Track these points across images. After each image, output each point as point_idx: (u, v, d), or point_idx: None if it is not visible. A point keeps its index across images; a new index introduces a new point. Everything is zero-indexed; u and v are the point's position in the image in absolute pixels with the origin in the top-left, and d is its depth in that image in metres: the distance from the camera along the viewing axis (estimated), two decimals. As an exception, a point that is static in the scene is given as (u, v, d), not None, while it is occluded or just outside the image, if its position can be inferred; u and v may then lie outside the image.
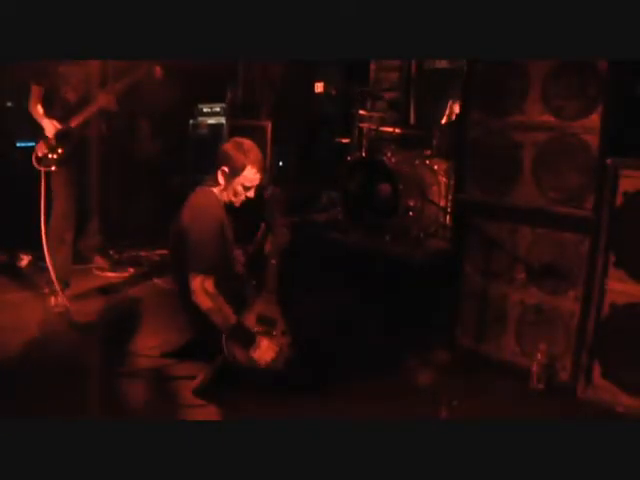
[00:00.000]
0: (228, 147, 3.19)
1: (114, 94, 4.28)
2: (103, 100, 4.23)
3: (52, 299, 4.06)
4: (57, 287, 3.99)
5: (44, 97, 4.20)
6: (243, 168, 3.11)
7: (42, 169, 4.09)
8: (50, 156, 4.12)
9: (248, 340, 2.97)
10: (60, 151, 4.14)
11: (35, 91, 4.18)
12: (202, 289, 2.99)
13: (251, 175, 3.13)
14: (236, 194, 3.18)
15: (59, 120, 4.16)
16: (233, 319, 3.00)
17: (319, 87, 6.71)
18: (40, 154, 4.11)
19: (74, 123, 4.18)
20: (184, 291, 3.07)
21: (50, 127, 4.12)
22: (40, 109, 4.16)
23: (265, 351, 2.97)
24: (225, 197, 3.20)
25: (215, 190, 3.20)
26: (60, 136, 4.14)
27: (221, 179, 3.15)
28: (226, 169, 3.12)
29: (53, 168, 4.12)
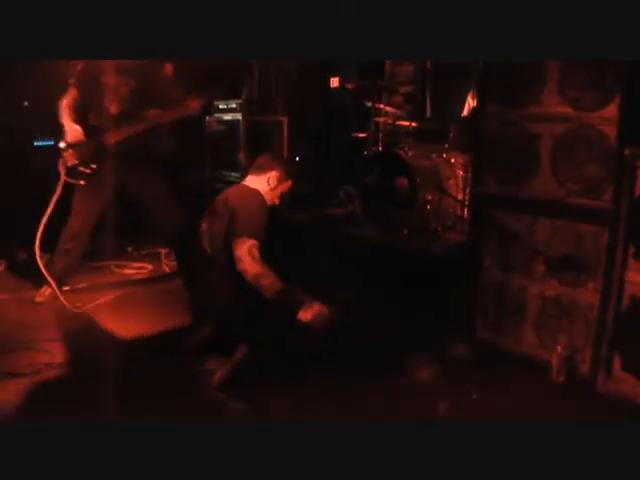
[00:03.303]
0: (276, 155, 3.76)
1: (202, 100, 4.12)
2: (194, 105, 4.06)
3: (41, 290, 4.08)
4: (49, 280, 3.95)
5: (79, 102, 3.96)
6: (287, 177, 3.47)
7: (70, 181, 3.92)
8: (81, 169, 3.90)
9: (297, 303, 2.96)
10: (94, 167, 3.92)
11: (72, 94, 3.94)
12: (249, 254, 3.02)
13: (288, 185, 3.51)
14: (274, 199, 3.45)
15: (90, 129, 3.93)
16: (280, 283, 3.00)
17: (335, 82, 6.70)
18: (70, 164, 3.89)
19: (113, 139, 3.94)
20: (225, 267, 3.12)
21: (74, 134, 3.87)
22: (70, 113, 3.91)
23: (317, 312, 2.95)
24: (268, 199, 3.38)
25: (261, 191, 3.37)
26: (97, 152, 3.92)
27: (273, 182, 3.40)
28: (277, 174, 3.41)
29: (82, 182, 3.93)
